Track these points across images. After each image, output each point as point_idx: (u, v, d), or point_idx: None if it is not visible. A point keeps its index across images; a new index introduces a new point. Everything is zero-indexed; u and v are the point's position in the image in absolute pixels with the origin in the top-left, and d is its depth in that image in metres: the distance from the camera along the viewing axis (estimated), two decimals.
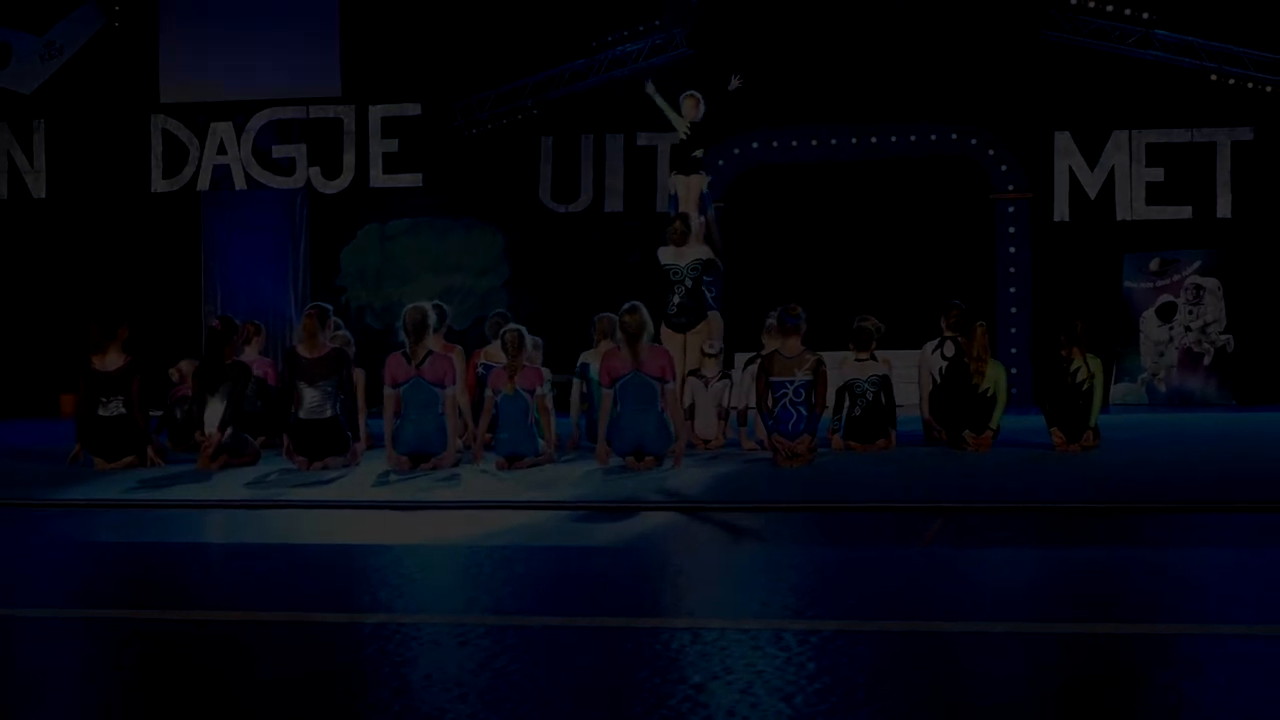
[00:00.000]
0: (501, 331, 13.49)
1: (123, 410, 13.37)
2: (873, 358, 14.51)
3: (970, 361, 14.29)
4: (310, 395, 13.13)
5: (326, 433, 13.09)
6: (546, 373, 13.41)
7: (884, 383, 14.45)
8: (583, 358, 15.04)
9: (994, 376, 14.25)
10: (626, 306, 12.84)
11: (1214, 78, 22.72)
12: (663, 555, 8.32)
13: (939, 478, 11.80)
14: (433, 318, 13.31)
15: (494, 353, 14.46)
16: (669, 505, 10.32)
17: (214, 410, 13.30)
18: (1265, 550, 8.09)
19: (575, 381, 14.99)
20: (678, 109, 16.10)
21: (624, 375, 12.64)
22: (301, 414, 13.12)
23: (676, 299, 15.19)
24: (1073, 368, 13.90)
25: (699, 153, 16.04)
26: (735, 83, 16.12)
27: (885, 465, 12.86)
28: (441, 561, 8.14)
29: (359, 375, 13.99)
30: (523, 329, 13.30)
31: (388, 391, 13.04)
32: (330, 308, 14.18)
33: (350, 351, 14.20)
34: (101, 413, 13.36)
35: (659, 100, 16.20)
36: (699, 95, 16.02)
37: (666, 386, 12.67)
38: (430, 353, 13.05)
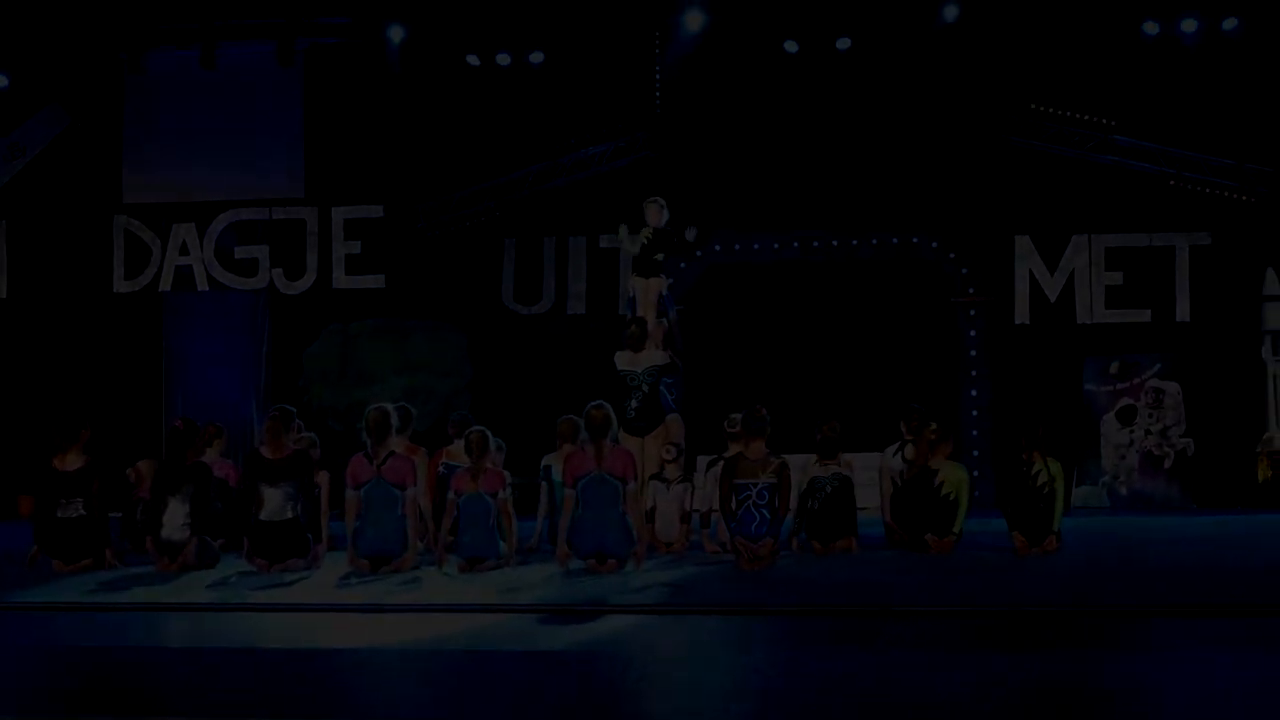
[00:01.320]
0: (466, 433, 13.50)
1: (82, 511, 13.29)
2: (835, 460, 14.54)
3: (934, 464, 14.35)
4: (271, 496, 13.09)
5: (287, 535, 13.02)
6: (508, 476, 13.40)
7: (844, 482, 14.46)
8: (545, 460, 15.04)
9: (956, 480, 14.30)
10: (593, 403, 12.90)
11: (1173, 183, 22.93)
12: (625, 660, 8.30)
13: (901, 581, 11.80)
14: (395, 418, 13.33)
15: (456, 453, 14.45)
16: (631, 609, 10.31)
17: (174, 511, 13.23)
18: (1227, 655, 8.11)
19: (542, 485, 14.98)
20: (640, 224, 16.18)
21: (586, 474, 12.65)
22: (262, 515, 13.06)
23: (634, 403, 15.20)
24: (1033, 471, 13.96)
25: (660, 256, 16.10)
26: (691, 234, 16.19)
27: (848, 568, 12.87)
28: (401, 666, 8.11)
29: (323, 477, 13.93)
30: (486, 430, 13.30)
31: (350, 494, 13.01)
32: (294, 410, 14.16)
33: (314, 454, 14.18)
34: (60, 514, 13.27)
35: (624, 236, 16.27)
36: (662, 201, 16.13)
37: (629, 487, 12.68)
38: (392, 453, 13.07)
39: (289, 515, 13.05)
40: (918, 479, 14.48)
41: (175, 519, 13.20)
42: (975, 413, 23.25)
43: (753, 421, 13.07)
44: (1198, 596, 10.45)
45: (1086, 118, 23.18)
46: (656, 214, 16.11)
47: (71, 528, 13.26)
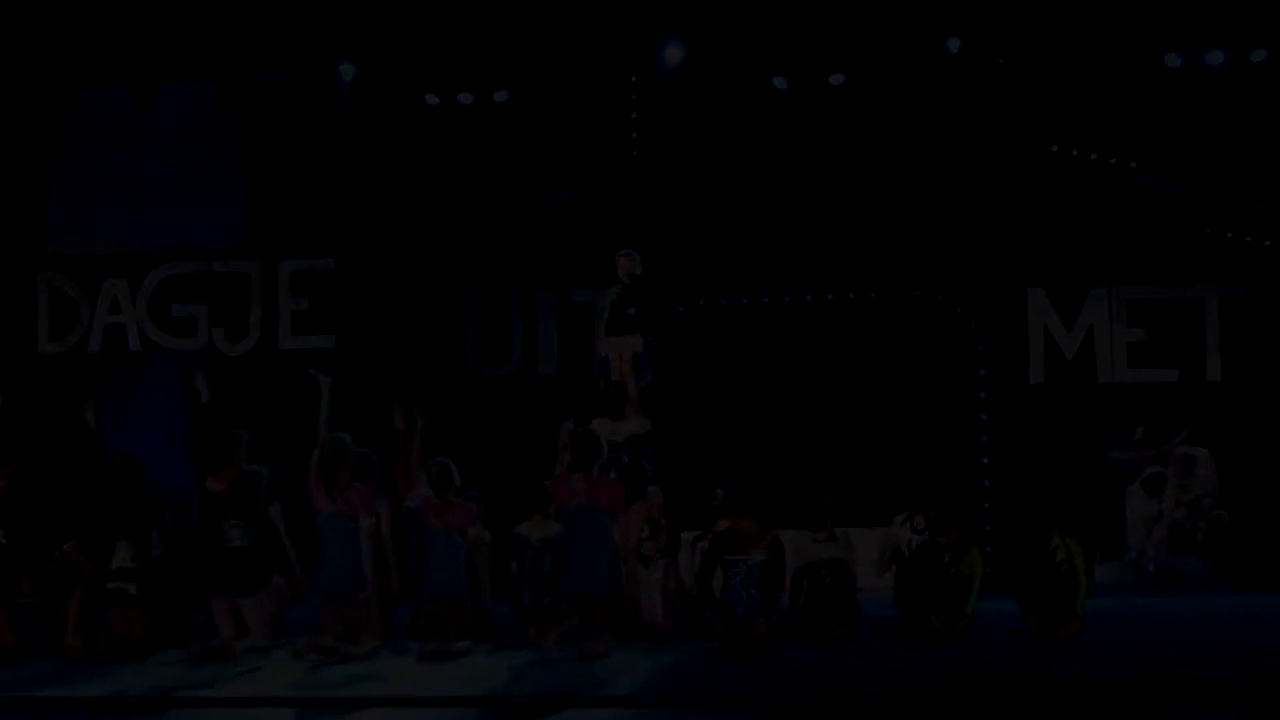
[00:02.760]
0: (427, 465, 13.64)
1: None
2: (832, 537, 14.53)
3: (943, 539, 14.34)
4: (225, 526, 13.20)
5: (244, 562, 13.08)
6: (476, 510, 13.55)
7: (841, 568, 14.41)
8: (517, 529, 15.06)
9: (969, 556, 14.30)
10: (581, 427, 13.02)
11: (1209, 230, 22.92)
12: None
13: (902, 671, 11.82)
14: (349, 441, 13.46)
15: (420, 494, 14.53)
16: (607, 703, 10.32)
17: (124, 551, 13.38)
18: None
19: (512, 564, 14.98)
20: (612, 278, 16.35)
21: (571, 507, 12.75)
22: (221, 545, 13.17)
23: (613, 476, 15.22)
24: (1051, 548, 13.97)
25: (632, 310, 16.15)
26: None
27: (846, 657, 12.89)
28: None
29: (275, 509, 13.98)
30: (450, 462, 13.42)
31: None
32: (245, 434, 14.24)
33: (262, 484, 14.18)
34: None
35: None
36: (635, 254, 16.22)
37: (617, 521, 12.78)
38: (350, 483, 13.16)
39: (241, 542, 13.15)
40: (925, 555, 14.47)
41: (124, 556, 13.37)
42: (986, 482, 23.16)
43: (742, 498, 13.13)
44: (1233, 685, 10.48)
45: (1105, 159, 23.25)
46: (629, 267, 16.20)
47: None
